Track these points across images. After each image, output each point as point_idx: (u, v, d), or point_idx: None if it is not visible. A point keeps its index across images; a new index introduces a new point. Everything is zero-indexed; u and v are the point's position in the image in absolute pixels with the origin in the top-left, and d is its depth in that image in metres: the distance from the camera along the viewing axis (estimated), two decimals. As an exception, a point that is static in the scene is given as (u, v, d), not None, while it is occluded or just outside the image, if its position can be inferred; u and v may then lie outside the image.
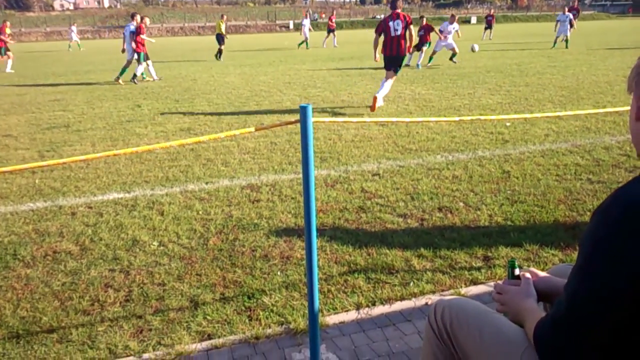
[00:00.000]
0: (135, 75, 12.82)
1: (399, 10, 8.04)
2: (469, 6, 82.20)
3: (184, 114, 8.39)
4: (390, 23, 8.01)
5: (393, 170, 4.93)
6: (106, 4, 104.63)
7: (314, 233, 1.88)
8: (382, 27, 8.09)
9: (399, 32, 7.96)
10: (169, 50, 27.02)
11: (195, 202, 4.21)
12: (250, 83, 12.23)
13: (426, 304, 2.59)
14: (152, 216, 3.94)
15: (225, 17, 20.28)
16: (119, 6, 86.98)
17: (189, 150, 5.85)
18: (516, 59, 15.86)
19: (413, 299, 2.64)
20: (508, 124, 6.71)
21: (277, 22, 61.09)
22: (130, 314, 2.60)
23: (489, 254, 3.12)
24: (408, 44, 8.17)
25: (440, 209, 3.91)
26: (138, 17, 13.09)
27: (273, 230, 3.60)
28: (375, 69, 13.99)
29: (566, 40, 19.24)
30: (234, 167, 5.19)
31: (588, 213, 3.72)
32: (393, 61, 8.18)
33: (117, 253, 3.32)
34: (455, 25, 15.03)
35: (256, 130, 1.95)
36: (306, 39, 24.67)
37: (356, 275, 2.91)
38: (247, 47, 28.36)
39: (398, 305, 2.58)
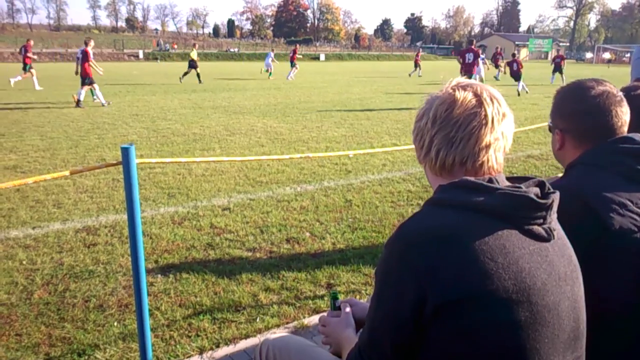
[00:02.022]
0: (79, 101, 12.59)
1: (472, 47, 15.17)
2: (317, 44, 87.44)
3: (10, 149, 7.45)
4: (466, 54, 14.84)
5: (244, 204, 4.95)
6: None
7: (144, 283, 1.80)
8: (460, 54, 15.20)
9: (470, 61, 14.68)
10: (-6, 77, 23.94)
11: (19, 251, 3.73)
12: (92, 115, 11.36)
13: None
14: (-39, 271, 3.38)
15: (196, 45, 24.40)
16: None
17: (13, 191, 5.19)
18: (359, 94, 17.22)
19: (258, 335, 2.64)
20: (351, 155, 7.21)
21: (125, 50, 58.02)
22: None
23: (332, 281, 3.28)
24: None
25: (288, 240, 4.01)
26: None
27: (111, 276, 3.33)
28: (228, 103, 14.05)
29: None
30: (68, 209, 4.73)
31: (417, 235, 4.13)
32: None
33: None
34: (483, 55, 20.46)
35: (71, 173, 1.81)
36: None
37: (201, 317, 2.83)
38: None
39: (243, 344, 2.56)
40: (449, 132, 1.02)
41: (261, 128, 9.76)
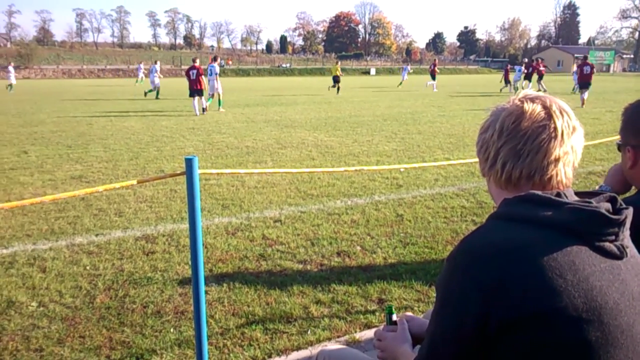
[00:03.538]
0: None
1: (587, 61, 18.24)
2: (368, 58, 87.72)
3: (76, 160, 7.90)
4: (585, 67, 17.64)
5: (295, 216, 5.00)
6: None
7: (202, 291, 1.85)
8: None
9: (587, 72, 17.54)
10: (64, 92, 25.57)
11: (83, 257, 3.93)
12: (152, 128, 11.88)
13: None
14: (32, 274, 3.60)
15: (339, 62, 29.29)
16: (9, 45, 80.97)
17: (78, 200, 5.49)
18: (410, 108, 17.07)
19: (309, 348, 2.64)
20: (402, 169, 7.13)
21: (183, 67, 60.48)
22: (-2, 388, 2.33)
23: (383, 297, 3.24)
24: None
25: (339, 254, 4.01)
26: None
27: (168, 283, 3.45)
28: (280, 117, 14.31)
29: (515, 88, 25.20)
30: (129, 217, 4.94)
31: (472, 252, 4.01)
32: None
33: (-13, 318, 2.97)
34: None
35: (138, 182, 1.90)
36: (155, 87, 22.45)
37: (254, 326, 2.86)
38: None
39: (294, 356, 2.57)
40: (517, 144, 1.00)
41: (312, 141, 9.86)
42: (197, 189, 1.77)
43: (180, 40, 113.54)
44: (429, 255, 3.95)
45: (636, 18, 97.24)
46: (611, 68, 73.85)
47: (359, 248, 4.13)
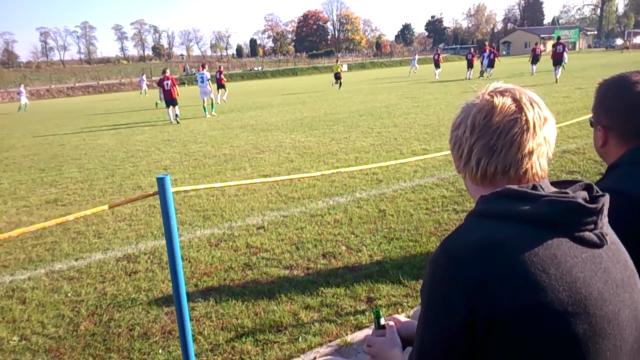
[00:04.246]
0: None
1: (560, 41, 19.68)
2: (339, 55, 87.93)
3: (50, 183, 7.72)
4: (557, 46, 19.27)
5: (277, 221, 4.96)
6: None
7: (186, 314, 1.80)
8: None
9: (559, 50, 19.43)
10: (33, 114, 25.02)
11: (64, 283, 3.83)
12: (126, 143, 11.69)
13: (314, 358, 2.58)
14: (11, 306, 3.50)
15: (338, 60, 31.87)
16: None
17: (55, 225, 5.36)
18: (384, 101, 17.14)
19: (302, 356, 2.61)
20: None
21: (154, 78, 59.72)
22: None
23: (372, 295, 3.23)
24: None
25: (324, 256, 3.98)
26: None
27: (153, 303, 3.38)
28: (255, 122, 14.26)
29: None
30: (108, 238, 4.84)
31: (456, 242, 4.03)
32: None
33: (-34, 358, 2.87)
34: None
35: (110, 207, 1.84)
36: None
37: (244, 339, 2.82)
38: (121, 107, 27.28)
39: (287, 365, 2.54)
40: (489, 140, 0.99)
41: (289, 143, 9.81)
42: (172, 208, 1.73)
43: (149, 52, 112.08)
44: (413, 249, 3.95)
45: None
46: (577, 46, 75.29)
47: (344, 248, 4.11)
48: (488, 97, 1.01)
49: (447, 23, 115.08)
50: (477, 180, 1.04)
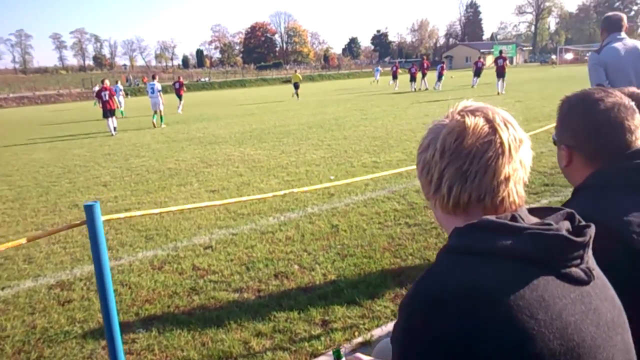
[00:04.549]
0: None
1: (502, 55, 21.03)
2: (287, 67, 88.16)
3: (-25, 203, 7.09)
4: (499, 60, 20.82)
5: (226, 240, 4.74)
6: None
7: (120, 349, 1.59)
8: None
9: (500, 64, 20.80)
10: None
11: (-14, 317, 3.44)
12: (63, 158, 11.03)
13: (267, 391, 2.40)
14: None
15: (297, 71, 32.42)
16: None
17: (-21, 250, 4.88)
18: (334, 114, 17.21)
19: (253, 389, 2.43)
20: (332, 177, 7.07)
21: (95, 89, 57.42)
22: None
23: (327, 318, 3.09)
24: None
25: (276, 276, 3.81)
26: None
27: (89, 336, 3.08)
28: (202, 134, 13.91)
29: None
30: (40, 263, 4.45)
31: (410, 257, 3.98)
32: None
33: None
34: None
35: (28, 241, 1.61)
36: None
37: (190, 373, 2.60)
38: (61, 119, 25.96)
39: (237, 401, 2.34)
40: (462, 164, 0.88)
41: (238, 157, 9.57)
42: (102, 239, 1.53)
43: (89, 62, 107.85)
44: (368, 266, 3.85)
45: (531, 13, 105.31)
46: (514, 60, 79.26)
47: (296, 267, 3.96)
48: (459, 117, 0.91)
49: (392, 37, 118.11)
50: (448, 209, 0.93)
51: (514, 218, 0.85)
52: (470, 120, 0.88)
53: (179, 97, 22.90)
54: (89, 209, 1.51)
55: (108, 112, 15.51)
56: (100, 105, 15.90)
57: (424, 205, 5.36)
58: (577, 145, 1.32)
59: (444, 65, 29.35)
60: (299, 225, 4.99)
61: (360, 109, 18.11)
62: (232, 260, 4.21)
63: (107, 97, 15.67)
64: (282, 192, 2.53)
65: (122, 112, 19.80)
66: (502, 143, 0.87)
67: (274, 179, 7.31)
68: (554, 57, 71.39)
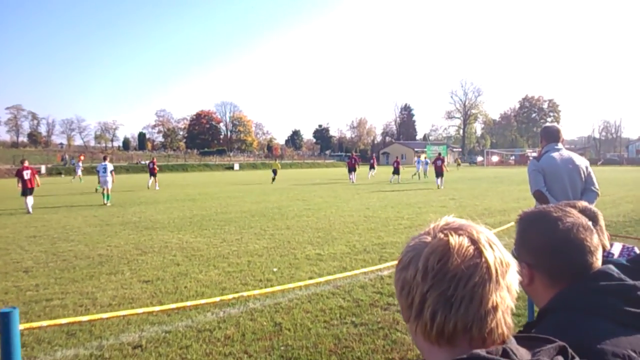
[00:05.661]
0: None
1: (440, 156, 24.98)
2: (231, 154, 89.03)
3: None
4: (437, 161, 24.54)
5: (158, 338, 4.34)
6: None
7: None
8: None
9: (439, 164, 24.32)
10: None
11: None
12: (-21, 239, 10.09)
13: None
14: None
15: (277, 160, 37.25)
16: None
17: None
18: (276, 202, 17.20)
19: None
20: (275, 269, 6.86)
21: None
22: None
23: None
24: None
25: (213, 381, 3.47)
26: None
27: None
28: (139, 218, 13.39)
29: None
30: None
31: (357, 360, 3.78)
32: None
33: None
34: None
35: None
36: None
37: None
38: (-19, 195, 24.19)
39: None
40: (446, 289, 0.81)
41: (176, 244, 9.16)
42: (18, 350, 1.29)
43: (23, 138, 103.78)
44: (314, 370, 3.61)
45: (459, 118, 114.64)
46: (445, 160, 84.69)
47: (236, 371, 3.64)
48: (442, 236, 0.86)
49: (333, 132, 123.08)
50: (431, 337, 0.84)
51: (505, 353, 0.78)
52: (454, 240, 0.84)
53: (154, 175, 25.98)
54: (5, 317, 1.29)
55: (27, 191, 15.91)
56: (20, 184, 16.04)
57: (370, 303, 5.24)
58: (537, 265, 1.31)
59: (374, 159, 38.17)
60: (239, 323, 4.69)
61: (303, 199, 18.25)
62: (164, 362, 3.82)
63: (28, 176, 16.11)
64: (230, 296, 2.35)
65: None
66: (488, 267, 0.82)
67: (214, 270, 6.98)
68: (482, 158, 78.71)
